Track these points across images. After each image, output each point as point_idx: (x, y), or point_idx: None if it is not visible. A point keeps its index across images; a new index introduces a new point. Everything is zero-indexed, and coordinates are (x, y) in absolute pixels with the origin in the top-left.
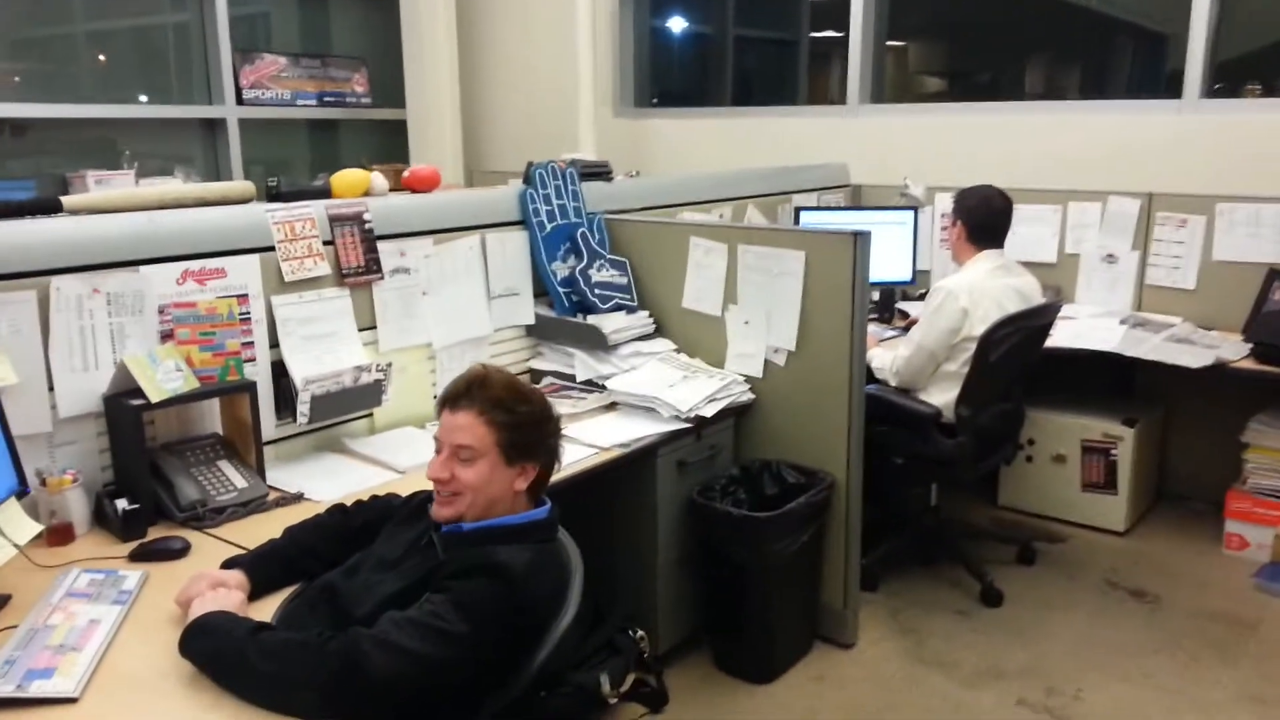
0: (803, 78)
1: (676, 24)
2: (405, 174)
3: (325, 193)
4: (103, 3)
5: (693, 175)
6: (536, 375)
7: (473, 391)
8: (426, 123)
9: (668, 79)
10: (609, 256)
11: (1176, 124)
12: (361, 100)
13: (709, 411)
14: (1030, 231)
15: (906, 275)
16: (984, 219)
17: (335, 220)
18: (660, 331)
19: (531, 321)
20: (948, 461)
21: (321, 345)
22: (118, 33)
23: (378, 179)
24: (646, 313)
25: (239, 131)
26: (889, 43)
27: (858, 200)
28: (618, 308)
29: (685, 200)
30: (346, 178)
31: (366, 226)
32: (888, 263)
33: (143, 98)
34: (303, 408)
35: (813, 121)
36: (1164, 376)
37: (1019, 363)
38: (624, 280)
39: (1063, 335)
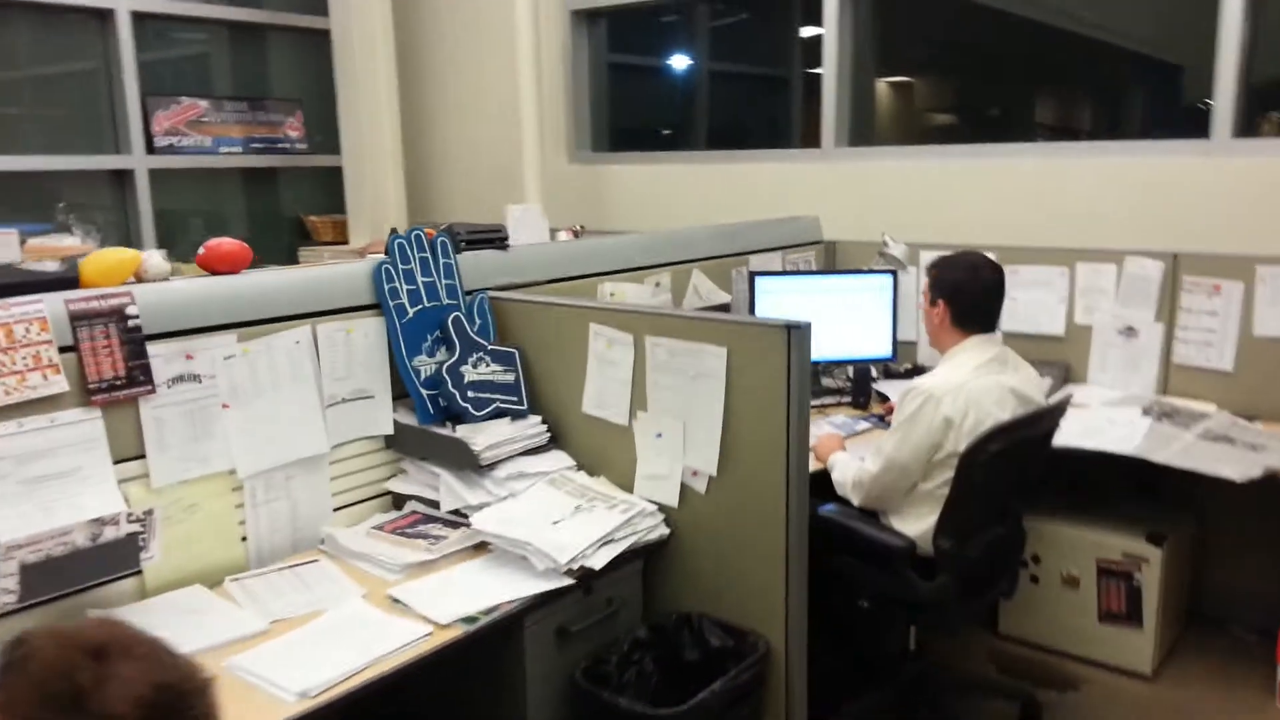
0: (796, 118)
1: (644, 60)
2: (200, 251)
3: (71, 281)
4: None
5: (623, 238)
6: (399, 500)
7: None
8: (364, 171)
9: (636, 120)
10: (492, 348)
11: (1205, 169)
12: (296, 146)
13: (599, 561)
14: (1032, 298)
15: (885, 350)
16: (972, 297)
17: (80, 318)
18: (557, 442)
19: (390, 431)
20: (926, 606)
21: (49, 491)
22: (18, 82)
23: (152, 259)
24: (539, 419)
25: (149, 183)
26: (893, 79)
27: (831, 260)
28: (499, 413)
29: (611, 268)
30: (102, 259)
31: (130, 324)
32: (864, 336)
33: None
34: (6, 582)
35: (785, 167)
36: (1198, 477)
37: (1014, 480)
38: (510, 378)
39: (1072, 430)
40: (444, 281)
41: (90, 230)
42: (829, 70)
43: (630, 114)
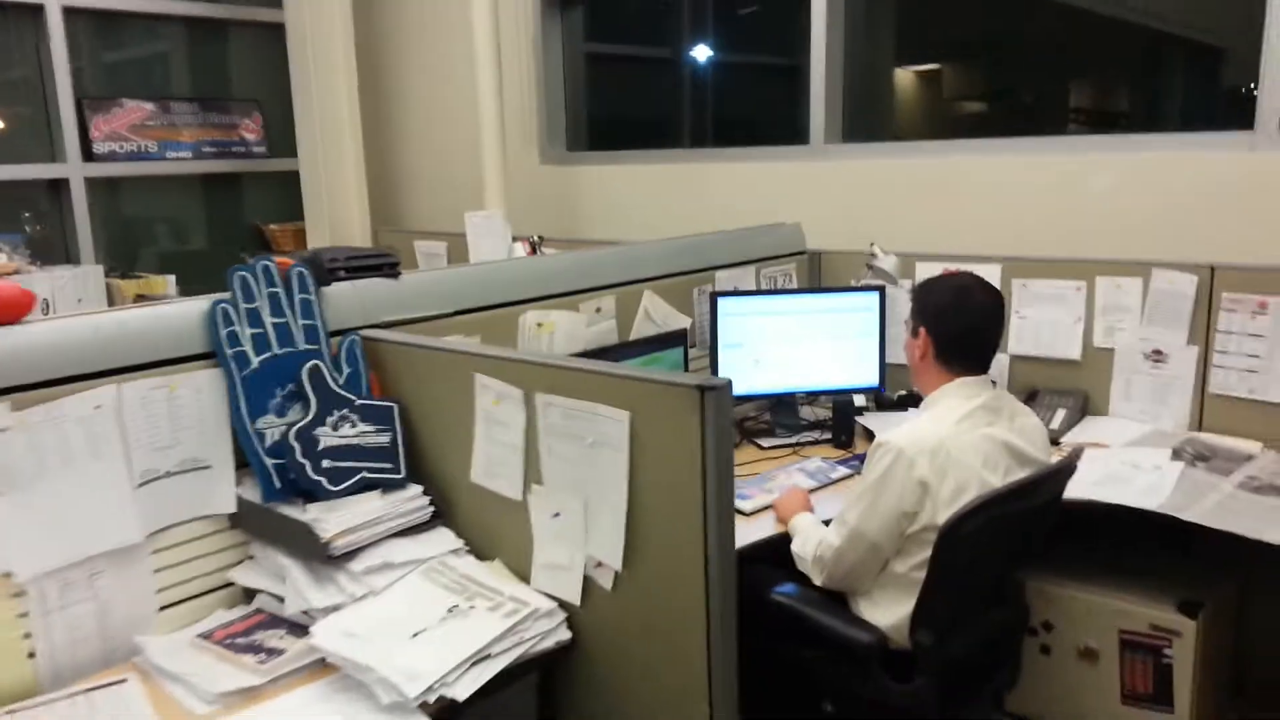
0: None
1: (634, 50)
2: None
3: None
4: None
5: (557, 257)
6: (248, 594)
7: None
8: (322, 175)
9: (626, 116)
10: (363, 403)
11: (1248, 165)
12: (254, 150)
13: (465, 688)
14: (1044, 316)
15: (872, 378)
16: (960, 327)
17: None
18: (444, 518)
19: (233, 509)
20: (901, 712)
21: None
22: None
23: None
24: (420, 490)
25: (86, 193)
26: (920, 68)
27: (816, 273)
28: (366, 485)
29: (543, 291)
30: None
31: None
32: (847, 362)
33: None
34: None
35: (769, 167)
36: None
37: (1010, 554)
38: (385, 439)
39: (1089, 477)
40: (300, 322)
41: (17, 246)
42: (817, 56)
43: (618, 109)
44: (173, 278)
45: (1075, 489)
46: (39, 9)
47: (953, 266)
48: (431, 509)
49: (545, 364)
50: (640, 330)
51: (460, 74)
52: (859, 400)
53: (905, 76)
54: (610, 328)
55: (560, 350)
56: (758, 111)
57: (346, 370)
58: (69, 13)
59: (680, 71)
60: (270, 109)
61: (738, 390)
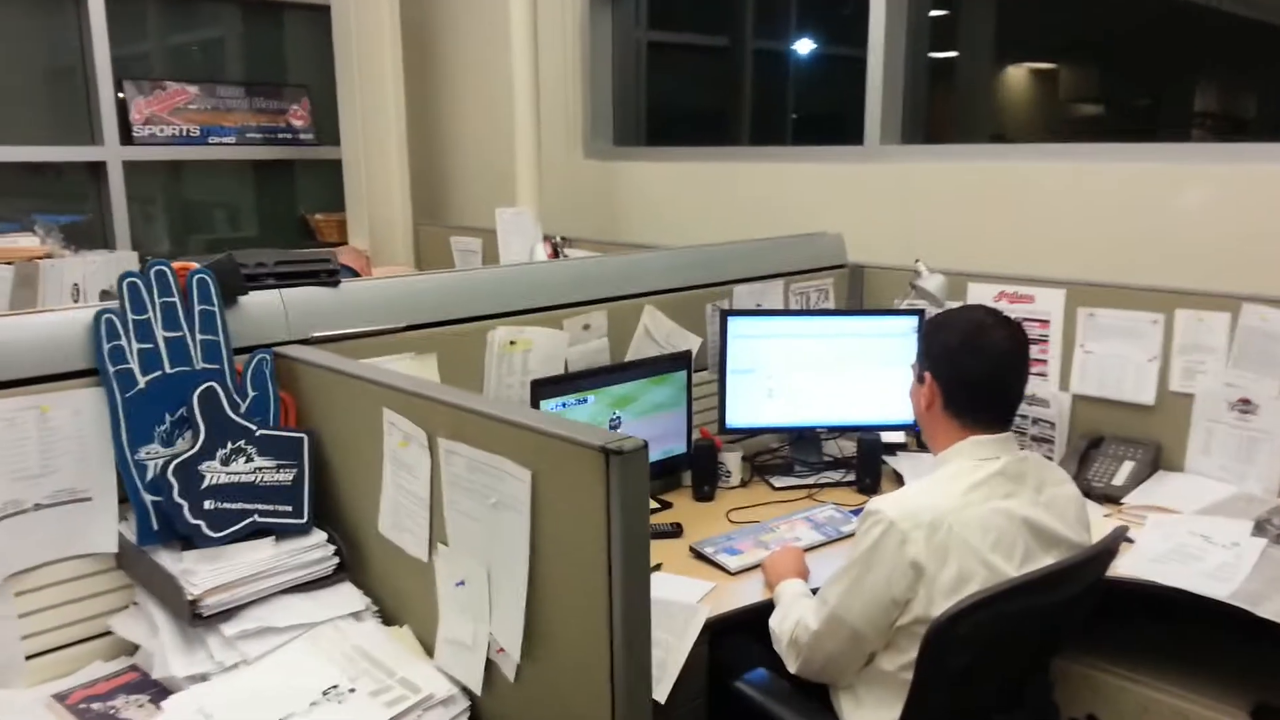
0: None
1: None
2: None
3: None
4: None
5: (532, 269)
6: (128, 646)
7: None
8: (363, 165)
9: (690, 109)
10: (264, 433)
11: None
12: (300, 136)
13: None
14: (1112, 351)
15: (908, 414)
16: (972, 373)
17: None
18: (353, 570)
19: (114, 548)
20: None
21: None
22: None
23: None
24: (324, 537)
25: (124, 177)
26: (1036, 65)
27: (857, 290)
28: (257, 531)
29: (518, 306)
30: None
31: None
32: (880, 395)
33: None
34: None
35: (820, 169)
36: None
37: (1029, 654)
38: (288, 477)
39: (1149, 550)
40: (199, 337)
41: (51, 230)
42: (875, 46)
43: (684, 100)
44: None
45: (1131, 564)
46: None
47: (1010, 289)
48: (336, 561)
49: (449, 403)
50: (640, 350)
51: (499, 63)
52: (895, 438)
53: (1018, 74)
54: (601, 347)
55: (536, 373)
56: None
57: (252, 394)
58: None
59: (742, 62)
60: (319, 95)
61: (745, 421)
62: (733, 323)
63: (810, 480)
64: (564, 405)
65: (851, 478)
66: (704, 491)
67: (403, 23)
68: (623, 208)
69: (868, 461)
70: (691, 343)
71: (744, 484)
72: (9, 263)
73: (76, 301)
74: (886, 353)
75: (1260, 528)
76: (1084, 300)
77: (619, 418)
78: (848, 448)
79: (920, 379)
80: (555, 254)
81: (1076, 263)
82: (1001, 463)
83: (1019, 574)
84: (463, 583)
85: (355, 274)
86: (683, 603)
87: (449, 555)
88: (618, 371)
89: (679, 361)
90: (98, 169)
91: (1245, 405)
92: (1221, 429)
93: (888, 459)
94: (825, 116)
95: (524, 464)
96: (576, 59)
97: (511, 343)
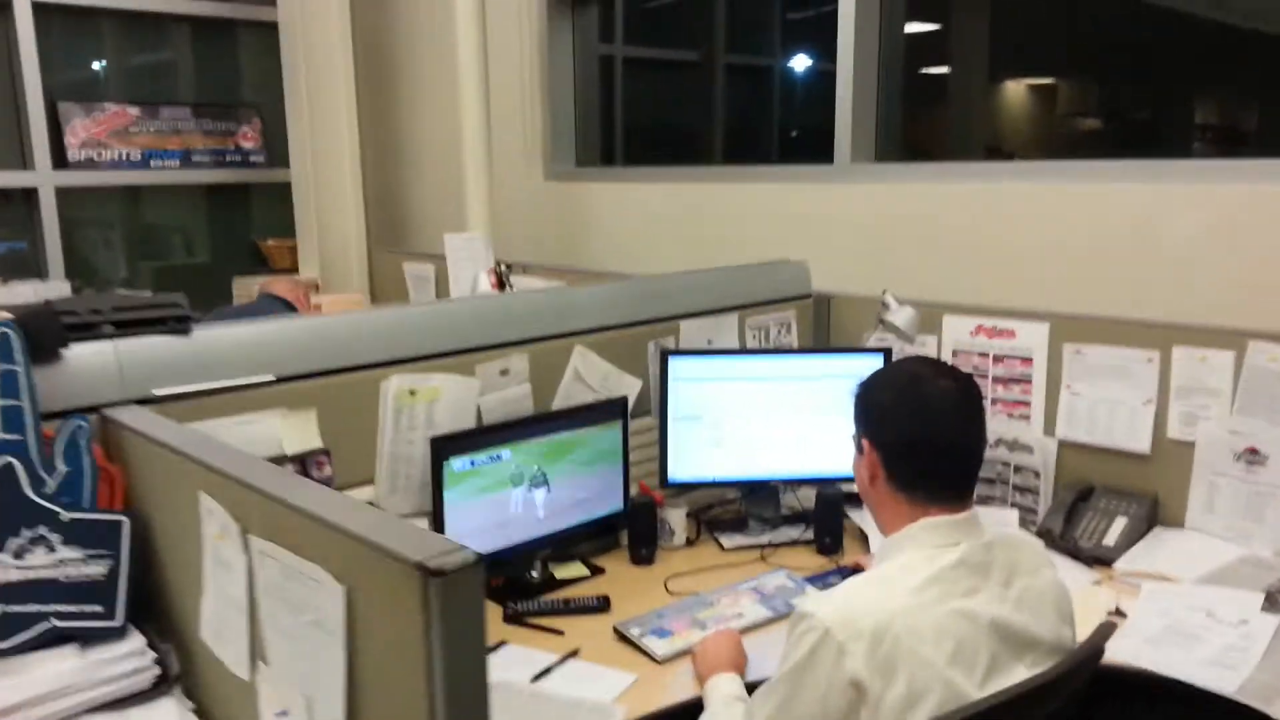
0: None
1: (671, 54)
2: None
3: None
4: None
5: (438, 308)
6: None
7: None
8: (312, 188)
9: (654, 127)
10: (74, 517)
11: None
12: (251, 158)
13: None
14: (1103, 394)
15: None
16: (913, 434)
17: None
18: (182, 679)
19: None
20: None
21: None
22: None
23: None
24: (143, 643)
25: (56, 204)
26: (1032, 79)
27: (822, 324)
28: (58, 638)
29: (421, 350)
30: None
31: None
32: (839, 445)
33: None
34: None
35: (789, 190)
36: None
37: None
38: (99, 570)
39: (1145, 628)
40: None
41: None
42: (844, 60)
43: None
44: (148, 295)
45: (1124, 646)
46: (6, 4)
47: (989, 323)
48: (157, 671)
49: (261, 490)
50: (571, 396)
51: (449, 78)
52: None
53: (1016, 90)
54: (523, 394)
55: (443, 427)
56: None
57: (63, 470)
58: (40, 9)
59: (713, 77)
60: (271, 116)
61: (689, 474)
62: (675, 364)
63: (764, 539)
64: (473, 464)
65: (810, 535)
66: (641, 554)
67: (354, 37)
68: (584, 233)
69: (828, 517)
70: (629, 387)
71: (690, 543)
72: None
73: None
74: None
75: (1271, 601)
76: (1070, 335)
77: (543, 474)
78: (809, 499)
79: (859, 448)
80: (500, 283)
81: (1063, 293)
82: (961, 550)
83: (983, 692)
84: (285, 713)
85: (291, 307)
86: (595, 702)
87: (270, 677)
88: (541, 422)
89: (613, 409)
90: (31, 195)
91: (1253, 456)
92: (1226, 482)
93: (851, 513)
94: (813, 130)
95: (338, 576)
96: (535, 74)
97: (411, 392)
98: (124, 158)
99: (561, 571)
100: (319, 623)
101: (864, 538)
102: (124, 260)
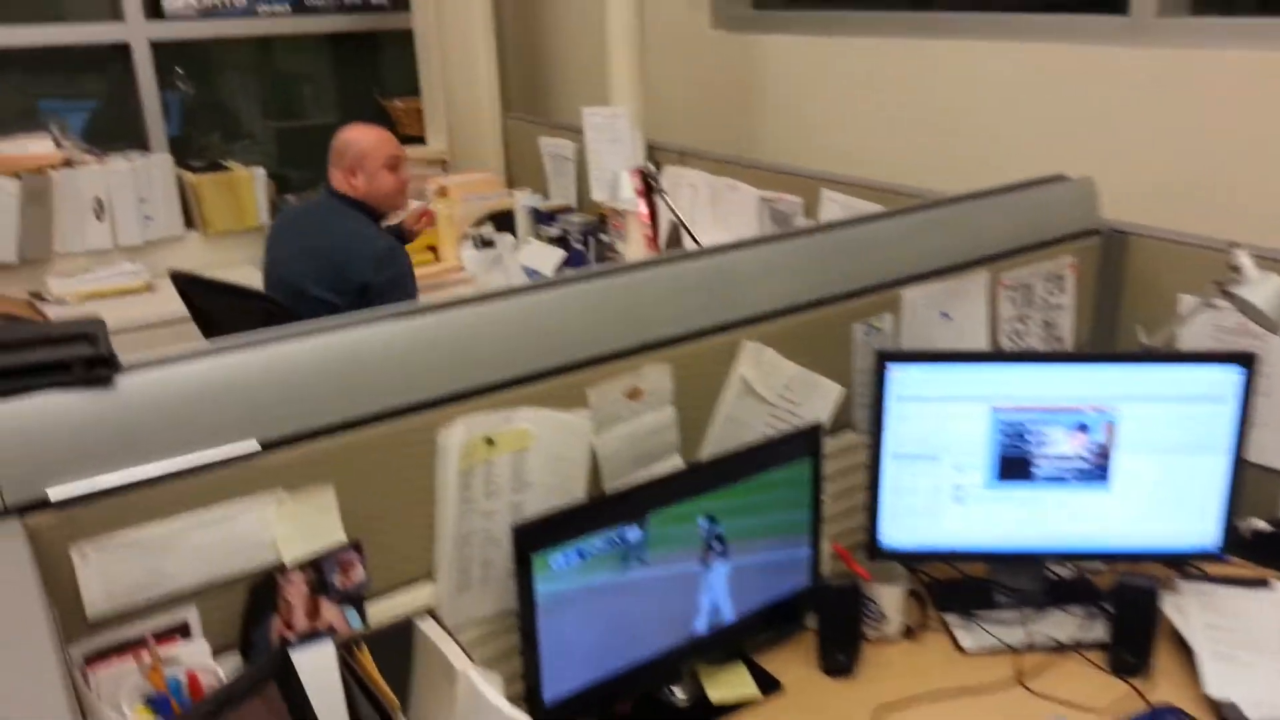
0: None
1: None
2: None
3: None
4: None
5: (493, 300)
6: None
7: None
8: (437, 41)
9: None
10: None
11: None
12: (373, 2)
13: None
14: None
15: (1202, 533)
16: None
17: None
18: None
19: None
20: None
21: None
22: None
23: None
24: None
25: (153, 62)
26: None
27: (1112, 279)
28: None
29: (491, 380)
30: None
31: None
32: (1153, 501)
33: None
34: None
35: (1056, 54)
36: None
37: None
38: None
39: None
40: None
41: (65, 127)
42: None
43: None
44: (261, 171)
45: None
46: None
47: None
48: None
49: None
50: (737, 420)
51: None
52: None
53: None
54: (663, 424)
55: (540, 489)
56: None
57: None
58: None
59: None
60: None
61: (912, 539)
62: (898, 374)
63: (1022, 635)
64: (582, 556)
65: (1100, 637)
66: (839, 660)
67: None
68: (762, 107)
69: (1133, 618)
70: (824, 398)
71: (910, 634)
72: (15, 175)
73: (100, 220)
74: (1169, 427)
75: None
76: None
77: (695, 549)
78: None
79: None
80: (648, 191)
81: None
82: None
83: None
84: None
85: (371, 213)
86: None
87: None
88: (698, 475)
89: (797, 444)
90: (123, 50)
91: None
92: None
93: (1171, 612)
94: None
95: None
96: None
97: (489, 441)
98: (226, 3)
99: (718, 687)
100: None
101: (1186, 650)
102: (229, 124)
